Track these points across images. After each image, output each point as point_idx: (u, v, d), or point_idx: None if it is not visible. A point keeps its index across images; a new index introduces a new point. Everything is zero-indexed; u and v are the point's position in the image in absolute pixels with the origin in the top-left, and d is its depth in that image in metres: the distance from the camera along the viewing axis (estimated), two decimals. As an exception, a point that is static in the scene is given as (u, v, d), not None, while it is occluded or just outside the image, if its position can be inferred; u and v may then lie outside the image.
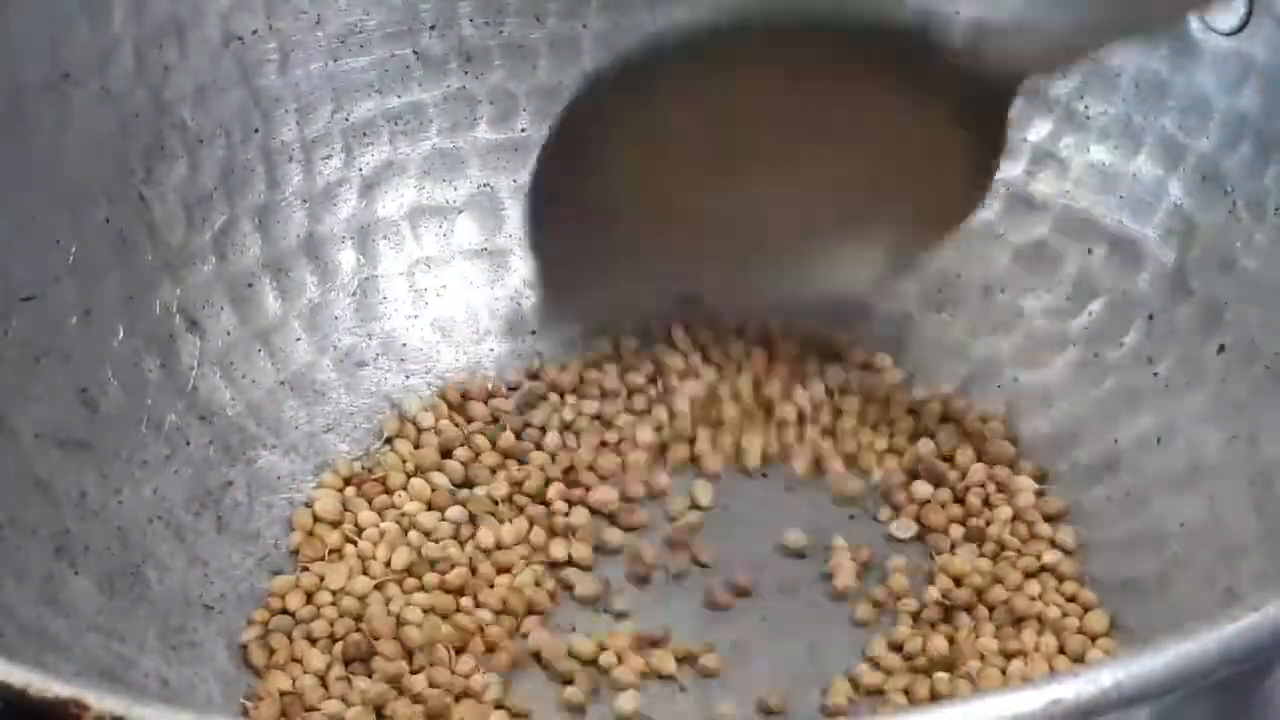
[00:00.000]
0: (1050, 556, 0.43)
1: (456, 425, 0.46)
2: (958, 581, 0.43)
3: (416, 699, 0.40)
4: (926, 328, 0.48)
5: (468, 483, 0.45)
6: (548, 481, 0.45)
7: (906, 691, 0.41)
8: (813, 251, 0.45)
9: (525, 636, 0.42)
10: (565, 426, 0.46)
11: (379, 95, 0.49)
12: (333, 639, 0.42)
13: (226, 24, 0.46)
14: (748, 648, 0.42)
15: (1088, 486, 0.44)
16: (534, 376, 0.48)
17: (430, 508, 0.45)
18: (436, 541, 0.44)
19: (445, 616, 0.42)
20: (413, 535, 0.44)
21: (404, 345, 0.48)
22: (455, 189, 0.49)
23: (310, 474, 0.45)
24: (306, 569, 0.43)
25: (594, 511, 0.45)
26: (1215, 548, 0.41)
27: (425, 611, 0.42)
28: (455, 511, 0.44)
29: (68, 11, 0.44)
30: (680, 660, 0.41)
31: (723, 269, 0.46)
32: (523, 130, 0.49)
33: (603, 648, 0.41)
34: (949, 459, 0.46)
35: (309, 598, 0.43)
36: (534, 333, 0.48)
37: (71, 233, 0.44)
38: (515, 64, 0.49)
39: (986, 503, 0.45)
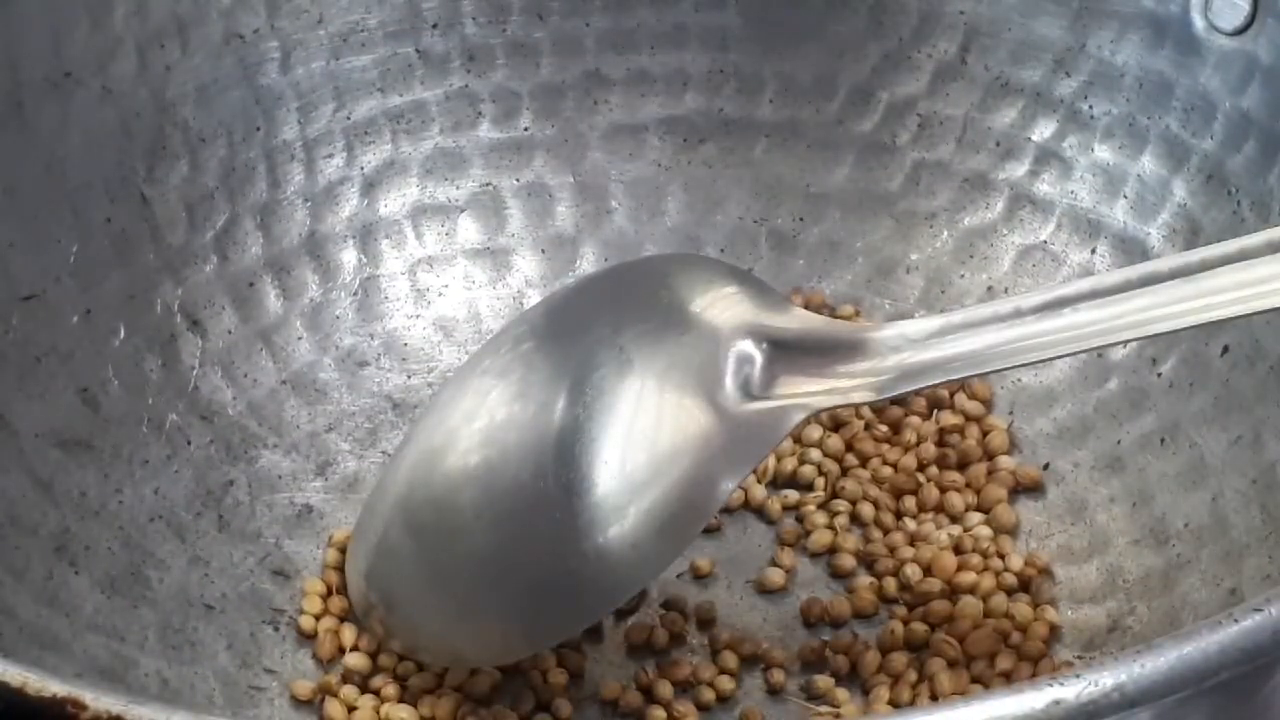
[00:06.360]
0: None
1: None
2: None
3: None
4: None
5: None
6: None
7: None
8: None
9: None
10: None
11: (381, 94, 0.49)
12: None
13: (228, 23, 0.46)
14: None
15: (1091, 487, 0.44)
16: None
17: None
18: None
19: None
20: None
21: (405, 345, 0.48)
22: (457, 188, 0.49)
23: (312, 473, 0.45)
24: None
25: None
26: (1219, 548, 0.41)
27: None
28: None
29: (69, 10, 0.44)
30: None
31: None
32: (525, 129, 0.49)
33: None
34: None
35: None
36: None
37: (73, 232, 0.44)
38: (518, 63, 0.49)
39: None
